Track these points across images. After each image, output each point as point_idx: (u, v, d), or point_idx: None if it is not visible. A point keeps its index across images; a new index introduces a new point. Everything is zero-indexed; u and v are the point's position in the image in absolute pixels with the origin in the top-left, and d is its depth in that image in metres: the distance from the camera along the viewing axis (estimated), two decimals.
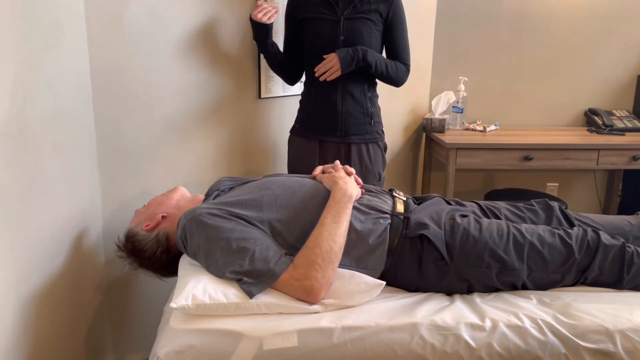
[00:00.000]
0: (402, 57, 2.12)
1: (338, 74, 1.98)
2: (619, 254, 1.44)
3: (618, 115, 3.04)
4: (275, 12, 2.04)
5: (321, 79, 2.00)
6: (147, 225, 1.60)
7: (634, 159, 2.73)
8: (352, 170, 1.62)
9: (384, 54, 2.15)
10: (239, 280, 1.32)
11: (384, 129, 2.21)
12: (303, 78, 2.21)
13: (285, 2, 2.15)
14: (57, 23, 1.57)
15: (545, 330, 1.28)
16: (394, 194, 1.63)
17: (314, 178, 1.63)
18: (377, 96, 2.17)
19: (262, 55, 2.23)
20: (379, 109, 2.20)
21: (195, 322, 1.26)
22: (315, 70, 2.00)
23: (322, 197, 1.50)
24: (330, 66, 1.97)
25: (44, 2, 1.48)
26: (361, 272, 1.40)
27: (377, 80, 2.14)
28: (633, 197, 3.20)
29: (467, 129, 2.96)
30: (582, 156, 2.73)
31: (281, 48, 2.17)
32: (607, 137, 2.83)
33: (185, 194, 1.72)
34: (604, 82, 3.13)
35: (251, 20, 2.04)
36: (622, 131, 2.91)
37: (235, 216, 1.43)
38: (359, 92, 2.09)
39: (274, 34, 2.16)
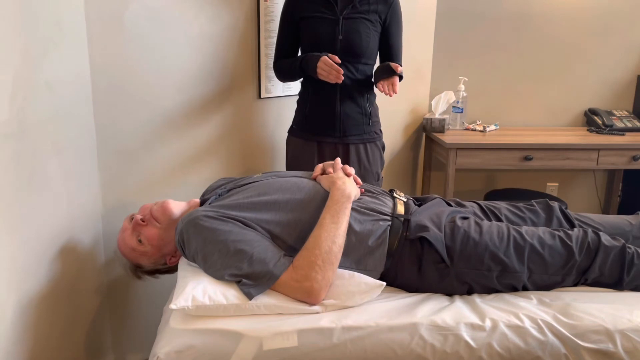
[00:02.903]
0: (398, 58, 2.13)
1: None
2: (619, 255, 1.44)
3: (618, 115, 3.04)
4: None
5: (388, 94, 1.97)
6: (171, 261, 1.61)
7: (634, 159, 2.73)
8: (351, 170, 1.61)
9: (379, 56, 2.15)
10: (238, 282, 1.33)
11: (382, 129, 2.21)
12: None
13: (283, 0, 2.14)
14: (57, 23, 1.57)
15: (545, 330, 1.28)
16: (395, 194, 1.63)
17: (315, 179, 1.62)
18: (374, 96, 2.17)
19: (261, 55, 2.23)
20: (376, 108, 2.19)
21: (195, 323, 1.26)
22: (385, 91, 1.96)
23: (321, 198, 1.49)
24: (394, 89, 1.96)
25: (44, 2, 1.48)
26: (361, 274, 1.40)
27: (374, 80, 2.14)
28: (633, 197, 3.20)
29: (467, 129, 2.96)
30: (582, 156, 2.73)
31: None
32: (607, 137, 2.83)
33: (179, 208, 1.60)
34: (604, 82, 3.13)
35: (309, 64, 1.97)
36: (622, 131, 2.91)
37: (232, 218, 1.42)
38: (357, 92, 2.08)
39: (271, 34, 2.15)
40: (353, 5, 2.02)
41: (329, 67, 1.91)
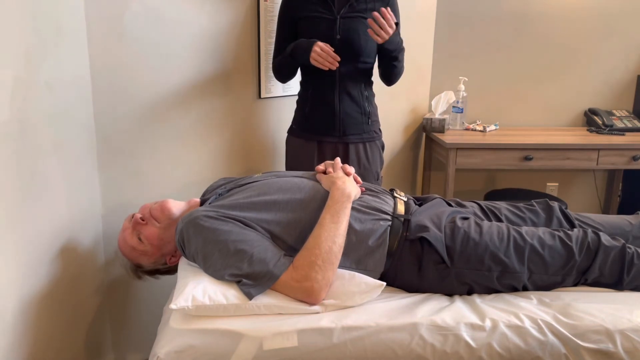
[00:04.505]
0: None
1: (384, 36, 1.89)
2: (619, 256, 1.44)
3: (618, 115, 3.04)
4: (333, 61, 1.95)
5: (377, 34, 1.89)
6: (172, 261, 1.61)
7: (634, 159, 2.73)
8: (351, 170, 1.61)
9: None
10: (238, 282, 1.33)
11: (381, 128, 2.21)
12: (299, 77, 2.19)
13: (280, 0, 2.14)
14: (57, 23, 1.57)
15: (545, 330, 1.28)
16: (395, 194, 1.63)
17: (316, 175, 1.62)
18: (373, 95, 2.17)
19: (261, 55, 2.23)
20: (376, 107, 2.19)
21: (195, 322, 1.26)
22: (376, 16, 1.86)
23: (321, 198, 1.49)
24: (385, 27, 1.88)
25: (44, 2, 1.48)
26: (361, 274, 1.40)
27: (373, 79, 2.14)
28: (633, 197, 3.20)
29: (467, 129, 2.96)
30: (582, 156, 2.73)
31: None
32: (607, 137, 2.83)
33: (178, 208, 1.60)
34: (604, 82, 3.13)
35: (301, 51, 1.97)
36: (622, 131, 2.91)
37: (232, 218, 1.42)
38: (356, 91, 2.08)
39: (271, 34, 2.14)
40: (350, 5, 2.02)
41: (326, 54, 1.92)
